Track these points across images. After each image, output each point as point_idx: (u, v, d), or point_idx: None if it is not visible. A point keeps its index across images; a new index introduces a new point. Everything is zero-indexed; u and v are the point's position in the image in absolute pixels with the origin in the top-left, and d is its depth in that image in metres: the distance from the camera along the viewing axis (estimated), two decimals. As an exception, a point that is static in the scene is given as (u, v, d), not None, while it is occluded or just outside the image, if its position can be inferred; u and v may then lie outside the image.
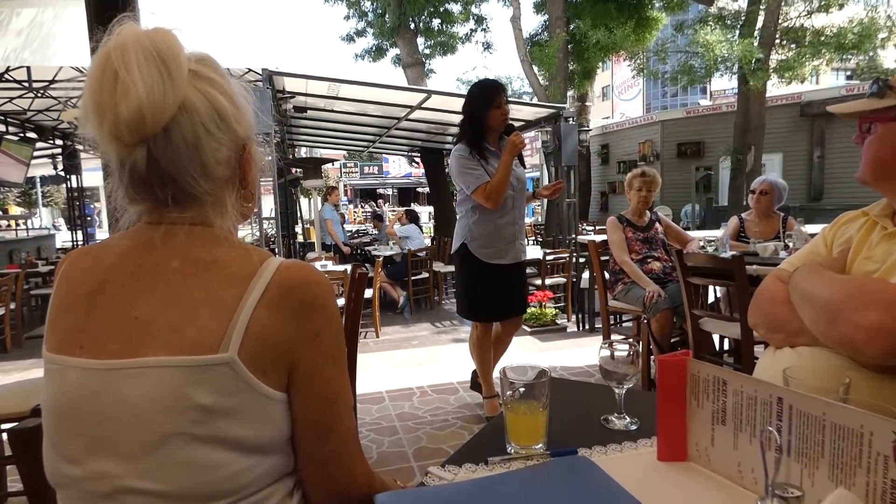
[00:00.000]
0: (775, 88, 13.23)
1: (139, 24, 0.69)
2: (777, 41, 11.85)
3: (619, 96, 31.77)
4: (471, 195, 2.70)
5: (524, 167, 2.95)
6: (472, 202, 2.76)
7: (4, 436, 2.17)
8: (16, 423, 0.87)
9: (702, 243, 3.59)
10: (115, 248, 0.74)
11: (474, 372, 3.33)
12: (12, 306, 5.53)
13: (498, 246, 2.80)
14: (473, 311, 2.94)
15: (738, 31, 12.08)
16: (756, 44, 11.30)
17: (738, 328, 2.64)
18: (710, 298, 3.63)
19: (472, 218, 2.78)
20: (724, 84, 20.10)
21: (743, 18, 12.19)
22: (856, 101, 1.15)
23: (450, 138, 10.47)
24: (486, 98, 2.70)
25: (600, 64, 13.45)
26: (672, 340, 3.26)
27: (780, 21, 11.74)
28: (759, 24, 11.89)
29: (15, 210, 16.46)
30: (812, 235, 1.87)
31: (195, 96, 0.69)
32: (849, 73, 22.80)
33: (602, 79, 28.28)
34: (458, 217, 2.92)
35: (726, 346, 3.55)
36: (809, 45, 11.50)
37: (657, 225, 3.61)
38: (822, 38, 11.49)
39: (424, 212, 15.41)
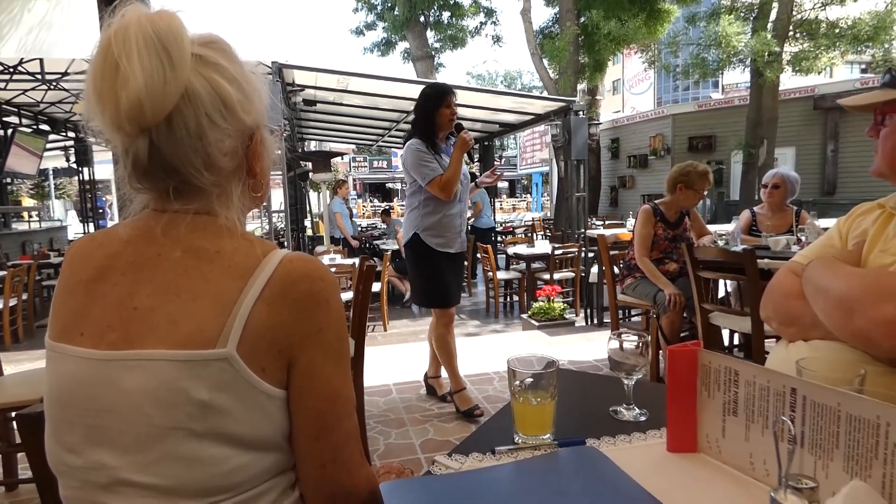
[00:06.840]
0: (789, 81, 13.05)
1: (145, 4, 0.66)
2: (791, 33, 11.68)
3: (629, 90, 31.52)
4: (426, 186, 2.86)
5: (470, 163, 3.18)
6: (424, 194, 2.93)
7: (15, 424, 2.19)
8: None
9: (716, 238, 3.54)
10: (120, 235, 0.73)
11: (425, 375, 3.39)
12: (24, 297, 5.60)
13: (447, 236, 2.98)
14: (436, 298, 3.03)
15: (750, 24, 11.92)
16: (769, 36, 11.16)
17: (749, 322, 2.61)
18: (720, 293, 3.60)
19: (425, 210, 2.95)
20: (737, 77, 19.86)
21: (756, 11, 12.03)
22: (868, 92, 1.13)
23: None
24: (439, 97, 2.90)
25: (611, 57, 13.31)
26: (681, 335, 3.23)
27: (793, 13, 11.57)
28: (773, 16, 11.73)
29: (28, 202, 16.57)
30: (825, 229, 1.84)
31: (199, 84, 0.66)
32: (863, 66, 22.47)
33: (613, 73, 28.05)
34: (407, 210, 3.06)
35: (735, 342, 3.52)
36: (824, 38, 11.32)
37: (686, 220, 3.53)
38: (837, 31, 11.31)
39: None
